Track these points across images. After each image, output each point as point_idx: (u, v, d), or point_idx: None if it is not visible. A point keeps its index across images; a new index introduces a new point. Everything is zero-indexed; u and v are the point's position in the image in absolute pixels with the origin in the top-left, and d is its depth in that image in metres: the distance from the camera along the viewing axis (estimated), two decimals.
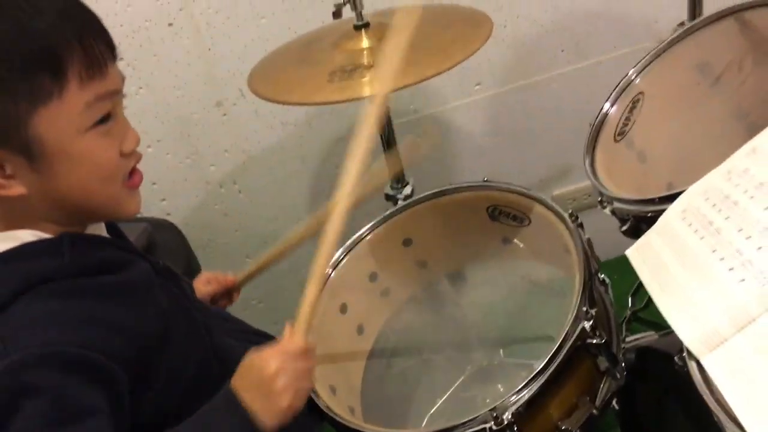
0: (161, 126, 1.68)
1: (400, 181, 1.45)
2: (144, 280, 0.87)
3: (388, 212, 1.29)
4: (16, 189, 0.77)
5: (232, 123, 1.72)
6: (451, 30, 1.29)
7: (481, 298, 1.33)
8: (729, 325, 0.71)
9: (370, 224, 1.29)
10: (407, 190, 1.43)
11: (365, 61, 1.24)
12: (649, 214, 0.98)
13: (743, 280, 0.72)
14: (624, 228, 1.01)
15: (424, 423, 1.19)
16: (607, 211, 1.02)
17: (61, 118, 0.75)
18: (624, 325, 1.64)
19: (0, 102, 0.72)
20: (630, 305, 1.63)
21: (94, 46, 0.76)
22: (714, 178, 0.85)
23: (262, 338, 1.07)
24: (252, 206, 1.84)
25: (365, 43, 1.28)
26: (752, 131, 1.00)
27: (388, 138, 1.44)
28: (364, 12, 1.30)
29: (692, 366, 0.73)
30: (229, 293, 1.23)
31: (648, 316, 1.63)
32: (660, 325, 1.59)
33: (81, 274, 0.79)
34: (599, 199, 1.04)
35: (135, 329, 0.81)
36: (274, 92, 1.23)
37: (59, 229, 0.81)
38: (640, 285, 1.65)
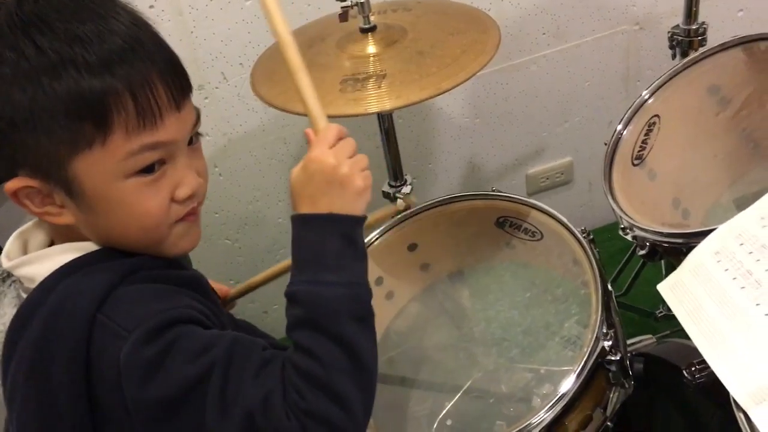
0: None
1: (398, 178, 1.45)
2: (203, 278, 0.87)
3: (396, 218, 1.30)
4: (65, 218, 0.78)
5: (213, 106, 1.68)
6: (458, 37, 1.28)
7: (483, 299, 1.36)
8: None
9: (379, 230, 1.30)
10: (406, 189, 1.43)
11: (374, 68, 1.22)
12: (665, 244, 1.02)
13: None
14: (642, 252, 1.04)
15: (435, 426, 1.22)
16: (629, 237, 1.05)
17: (100, 165, 0.73)
18: None
19: (42, 142, 0.72)
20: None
21: (150, 98, 0.73)
22: (747, 223, 0.89)
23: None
24: (232, 189, 1.81)
25: (372, 48, 1.26)
26: (760, 157, 1.05)
27: (387, 129, 1.43)
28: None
29: (740, 417, 0.77)
30: (223, 303, 1.22)
31: (627, 300, 1.70)
32: (639, 309, 1.68)
33: (157, 267, 0.80)
34: (622, 226, 1.07)
35: (212, 315, 0.82)
36: (284, 100, 1.20)
37: None
38: (620, 271, 1.73)
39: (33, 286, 0.78)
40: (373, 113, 1.17)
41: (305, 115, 0.93)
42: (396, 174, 1.46)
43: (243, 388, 0.72)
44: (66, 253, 0.78)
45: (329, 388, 0.73)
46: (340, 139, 0.84)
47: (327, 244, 0.79)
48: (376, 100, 1.16)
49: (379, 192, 1.48)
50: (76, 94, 0.70)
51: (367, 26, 1.27)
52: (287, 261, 1.14)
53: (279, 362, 0.75)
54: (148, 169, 0.76)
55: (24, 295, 0.80)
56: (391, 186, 1.46)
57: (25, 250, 0.83)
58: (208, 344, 0.73)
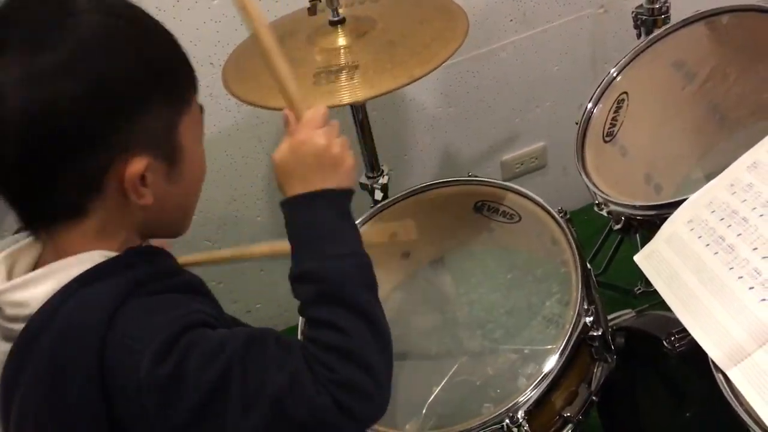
0: None
1: (375, 169, 1.46)
2: (202, 280, 0.86)
3: (374, 208, 1.31)
4: (148, 199, 0.77)
5: None
6: (426, 25, 1.29)
7: (465, 283, 1.38)
8: (752, 340, 0.78)
9: (358, 221, 1.30)
10: (383, 179, 1.44)
11: (345, 60, 1.23)
12: (639, 217, 1.05)
13: (764, 299, 0.79)
14: (618, 227, 1.06)
15: (424, 411, 1.23)
16: (604, 212, 1.07)
17: (191, 126, 0.80)
18: None
19: (161, 109, 0.76)
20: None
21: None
22: (717, 190, 0.91)
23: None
24: (208, 190, 1.79)
25: (342, 41, 1.27)
26: (727, 128, 1.07)
27: (362, 121, 1.45)
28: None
29: (719, 378, 0.79)
30: None
31: (606, 279, 1.73)
32: (618, 286, 1.71)
33: (160, 278, 0.79)
34: (596, 202, 1.09)
35: (218, 316, 0.82)
36: (258, 95, 1.21)
37: (122, 247, 0.79)
38: (598, 250, 1.75)
39: (23, 312, 0.73)
40: (347, 104, 1.18)
41: (280, 109, 0.93)
42: (372, 165, 1.47)
43: (266, 377, 0.72)
44: (67, 270, 0.74)
45: (357, 356, 0.74)
46: (326, 117, 0.87)
47: (327, 220, 0.81)
48: (349, 92, 1.17)
49: (357, 184, 1.49)
50: (179, 53, 0.79)
51: (336, 19, 1.29)
52: (245, 251, 1.15)
53: (297, 345, 0.75)
54: None
55: (5, 325, 0.75)
56: (368, 177, 1.47)
57: (9, 275, 0.78)
58: (221, 343, 0.73)
